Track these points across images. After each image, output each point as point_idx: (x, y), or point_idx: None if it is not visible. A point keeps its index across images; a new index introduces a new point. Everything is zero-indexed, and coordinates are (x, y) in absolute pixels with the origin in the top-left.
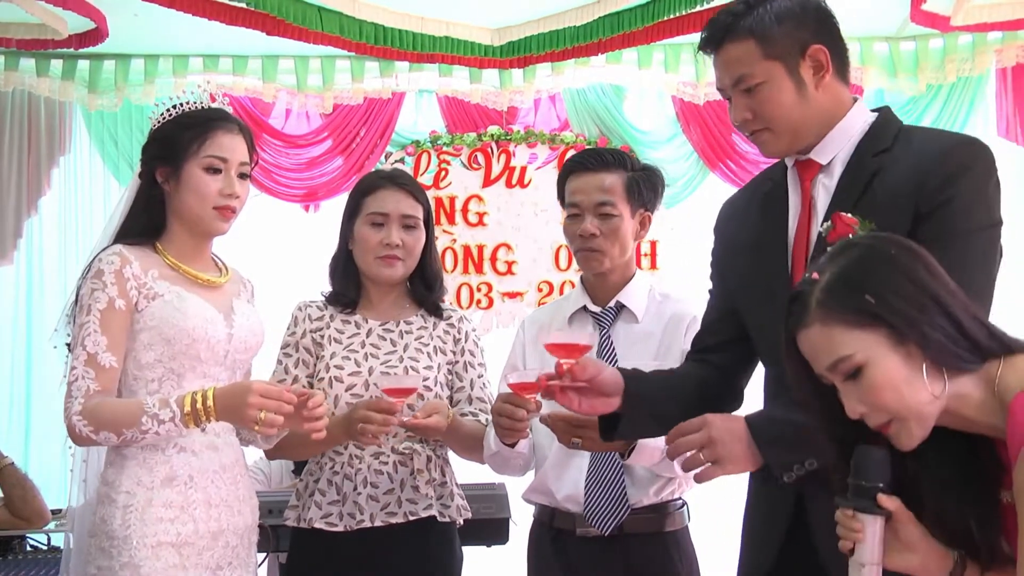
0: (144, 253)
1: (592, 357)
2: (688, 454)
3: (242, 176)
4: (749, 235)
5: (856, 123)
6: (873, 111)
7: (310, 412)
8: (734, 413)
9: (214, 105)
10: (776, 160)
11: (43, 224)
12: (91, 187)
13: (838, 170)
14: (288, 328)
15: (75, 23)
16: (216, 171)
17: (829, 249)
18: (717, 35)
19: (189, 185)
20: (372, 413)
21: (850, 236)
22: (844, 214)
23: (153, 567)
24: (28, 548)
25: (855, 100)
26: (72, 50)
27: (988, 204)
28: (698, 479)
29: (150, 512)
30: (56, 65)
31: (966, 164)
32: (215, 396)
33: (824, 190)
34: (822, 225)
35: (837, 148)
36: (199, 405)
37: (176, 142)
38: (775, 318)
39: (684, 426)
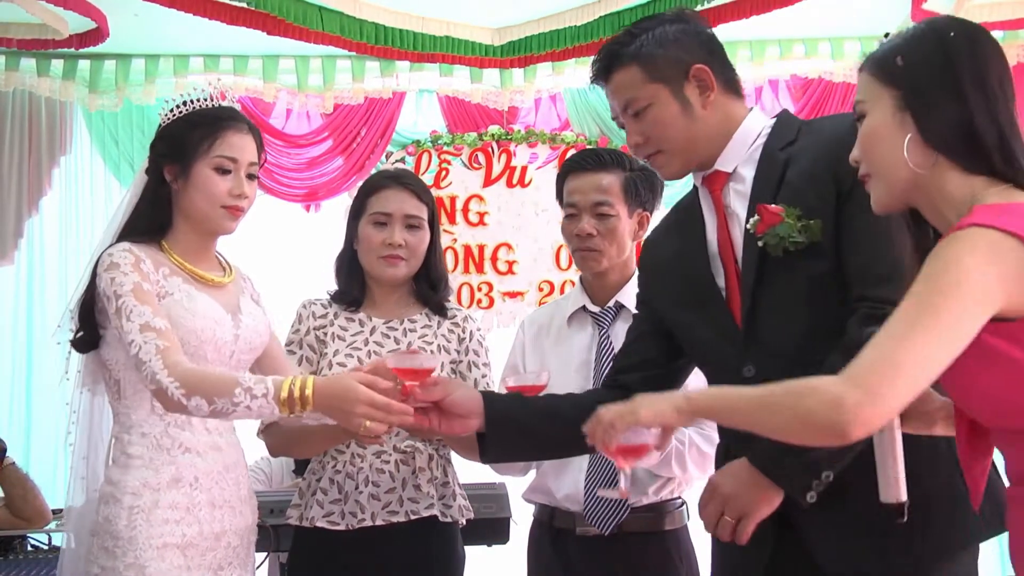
0: (151, 251)
1: (443, 377)
2: (722, 523)
3: (250, 176)
4: (671, 256)
5: (754, 128)
6: (774, 117)
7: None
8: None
9: (224, 103)
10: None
11: (44, 224)
12: (92, 187)
13: (748, 173)
14: (292, 326)
15: (76, 23)
16: (226, 171)
17: None
18: (605, 64)
19: (198, 184)
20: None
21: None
22: (769, 205)
23: (158, 568)
24: (29, 548)
25: (751, 110)
26: (73, 50)
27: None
28: (743, 540)
29: (156, 514)
30: (57, 65)
31: None
32: (315, 389)
33: (737, 195)
34: (748, 222)
35: (738, 155)
36: (296, 394)
37: (185, 141)
38: (708, 325)
39: (700, 500)
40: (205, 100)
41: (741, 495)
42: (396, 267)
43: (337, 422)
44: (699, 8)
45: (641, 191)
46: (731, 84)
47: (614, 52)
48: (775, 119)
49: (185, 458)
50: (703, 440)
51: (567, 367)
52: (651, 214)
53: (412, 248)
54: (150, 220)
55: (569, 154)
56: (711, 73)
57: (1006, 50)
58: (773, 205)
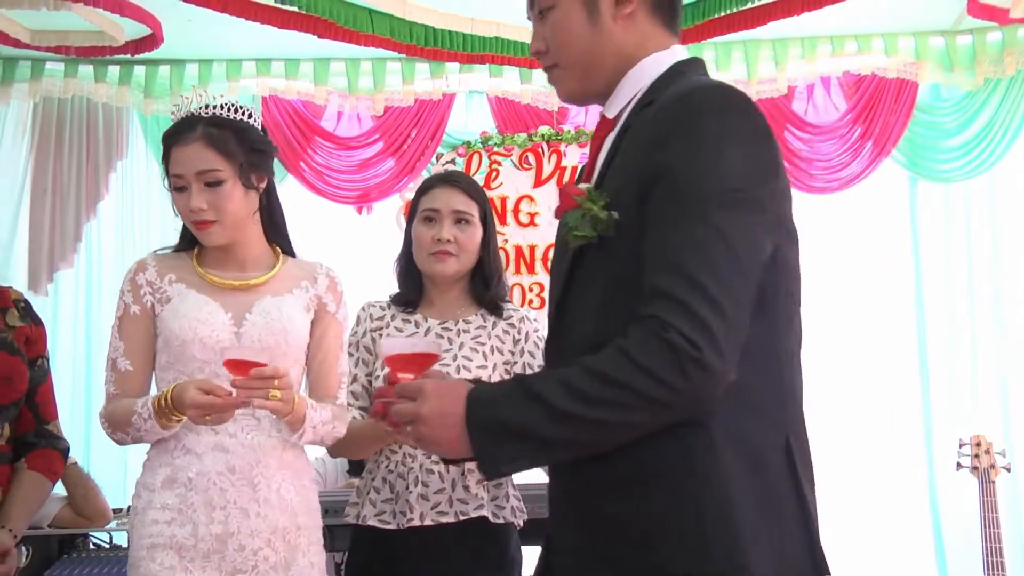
0: (174, 259)
1: (437, 369)
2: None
3: (209, 184)
4: None
5: (647, 72)
6: (680, 62)
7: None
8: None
9: (196, 108)
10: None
11: (101, 227)
12: (147, 190)
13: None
14: (351, 328)
15: (131, 30)
16: (180, 188)
17: None
18: None
19: (174, 202)
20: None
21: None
22: (573, 186)
23: (148, 568)
24: (91, 546)
25: (672, 48)
26: (128, 56)
27: (729, 164)
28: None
29: (148, 514)
30: (113, 71)
31: (705, 109)
32: (172, 395)
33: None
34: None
35: (623, 101)
36: (162, 402)
37: (163, 158)
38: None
39: (403, 388)
40: (182, 111)
41: (435, 428)
42: (445, 263)
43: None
44: (749, 6)
45: None
46: (662, 7)
47: None
48: (670, 66)
49: (183, 459)
50: None
51: None
52: None
53: (462, 244)
54: (183, 229)
55: None
56: None
57: None
58: (578, 186)
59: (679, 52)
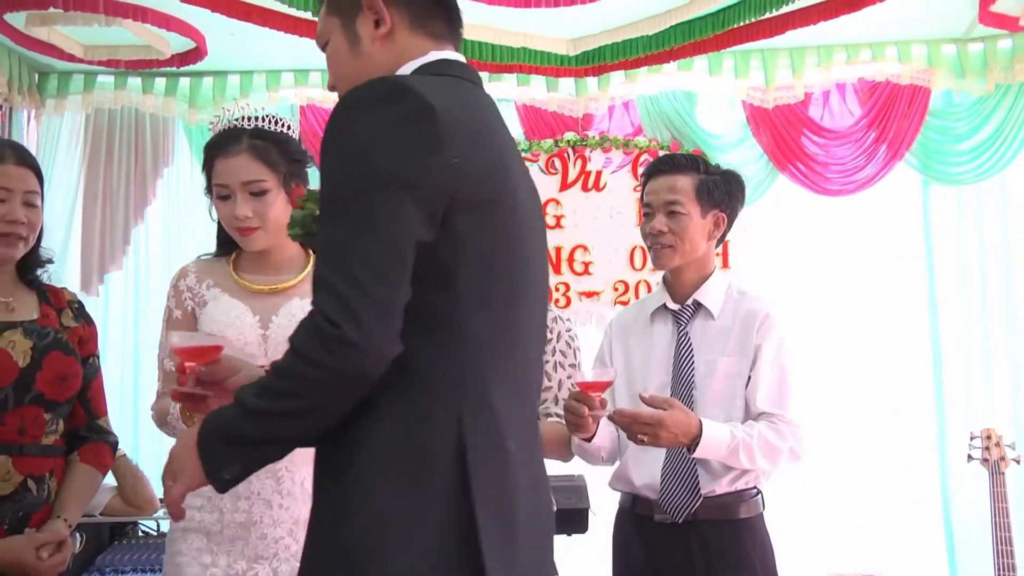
0: (213, 265)
1: (230, 356)
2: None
3: (254, 193)
4: None
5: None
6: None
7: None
8: None
9: (237, 119)
10: None
11: (149, 231)
12: (192, 196)
13: None
14: None
15: (177, 43)
16: (225, 197)
17: None
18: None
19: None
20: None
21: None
22: (299, 188)
23: (179, 548)
24: (140, 533)
25: (430, 53)
26: (174, 68)
27: (371, 150)
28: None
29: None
30: (160, 83)
31: (350, 104)
32: None
33: None
34: None
35: None
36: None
37: (205, 167)
38: None
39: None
40: (223, 122)
41: (179, 456)
42: None
43: None
44: (768, 15)
45: (715, 193)
46: (421, 19)
47: None
48: (416, 67)
49: None
50: (773, 433)
51: (649, 361)
52: (727, 215)
53: None
54: (223, 236)
55: (642, 159)
56: (384, 6)
57: None
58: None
59: (433, 55)
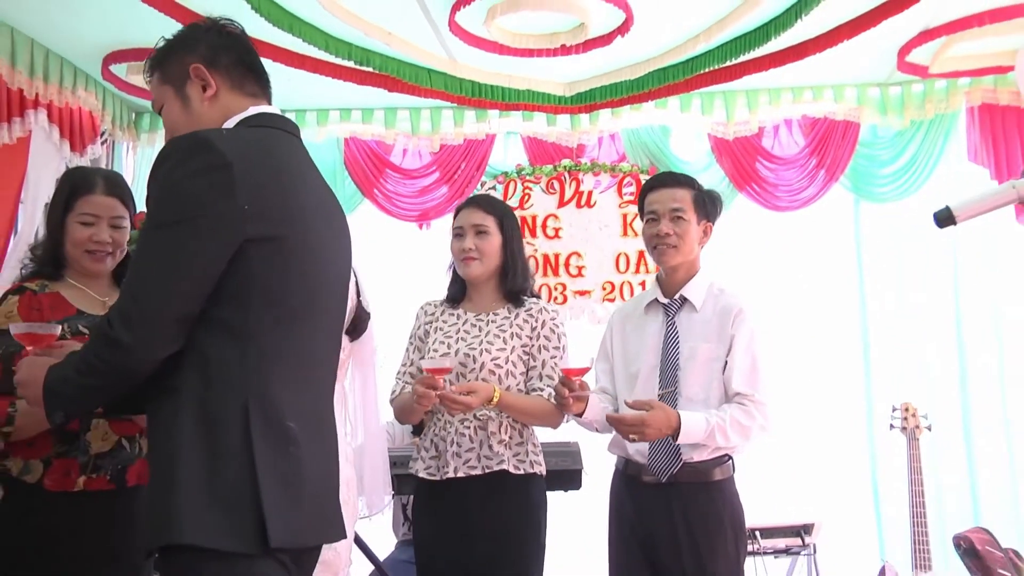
0: None
1: (65, 343)
2: None
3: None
4: None
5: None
6: (251, 118)
7: None
8: None
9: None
10: None
11: None
12: None
13: None
14: (414, 322)
15: None
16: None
17: None
18: (146, 74)
19: None
20: (419, 386)
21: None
22: (142, 211)
23: None
24: None
25: (252, 108)
26: None
27: (170, 195)
28: None
29: None
30: None
31: (162, 156)
32: None
33: None
34: None
35: None
36: None
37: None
38: None
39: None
40: None
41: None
42: (470, 266)
43: None
44: (729, 63)
45: (706, 205)
46: (238, 82)
47: (146, 63)
48: (238, 120)
49: None
50: (742, 414)
51: (644, 346)
52: (712, 225)
53: (482, 250)
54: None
55: (625, 181)
56: (208, 73)
57: (973, 92)
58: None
59: (252, 110)
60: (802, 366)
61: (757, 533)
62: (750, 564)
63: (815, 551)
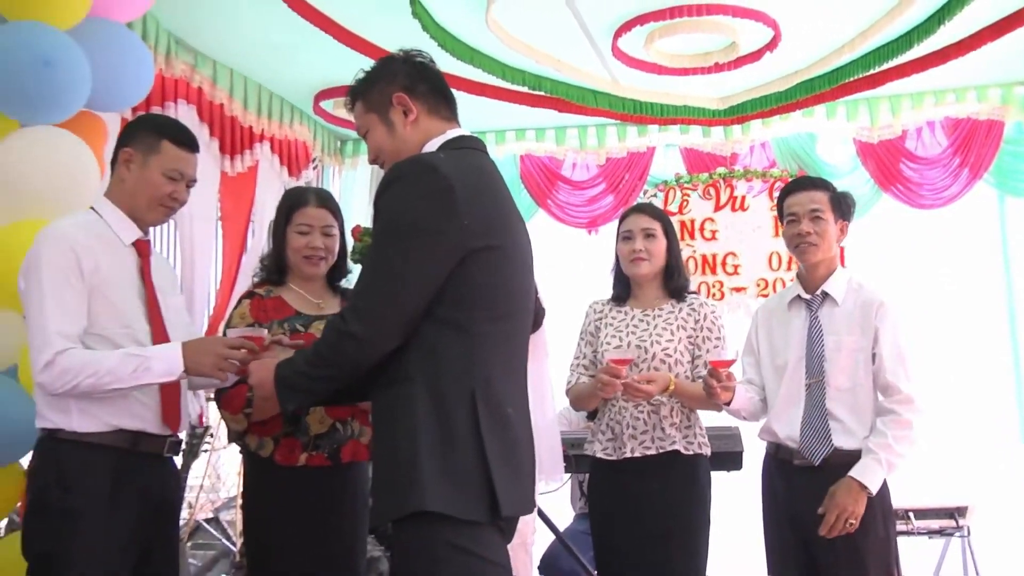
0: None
1: (281, 341)
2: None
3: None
4: None
5: (428, 148)
6: (452, 141)
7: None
8: None
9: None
10: None
11: None
12: None
13: None
14: (584, 320)
15: None
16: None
17: None
18: (348, 103)
19: None
20: (604, 375)
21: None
22: (358, 227)
23: None
24: None
25: (449, 132)
26: None
27: (398, 213)
28: None
29: None
30: None
31: (391, 177)
32: None
33: None
34: None
35: None
36: None
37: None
38: None
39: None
40: None
41: (263, 386)
42: (639, 265)
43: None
44: (873, 71)
45: (842, 205)
46: (436, 108)
47: (349, 93)
48: (442, 143)
49: None
50: (895, 426)
51: (789, 340)
52: (848, 224)
53: (649, 251)
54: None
55: (776, 186)
56: (410, 100)
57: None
58: (361, 226)
59: (450, 133)
60: (952, 356)
61: (910, 514)
62: (903, 544)
63: (969, 533)
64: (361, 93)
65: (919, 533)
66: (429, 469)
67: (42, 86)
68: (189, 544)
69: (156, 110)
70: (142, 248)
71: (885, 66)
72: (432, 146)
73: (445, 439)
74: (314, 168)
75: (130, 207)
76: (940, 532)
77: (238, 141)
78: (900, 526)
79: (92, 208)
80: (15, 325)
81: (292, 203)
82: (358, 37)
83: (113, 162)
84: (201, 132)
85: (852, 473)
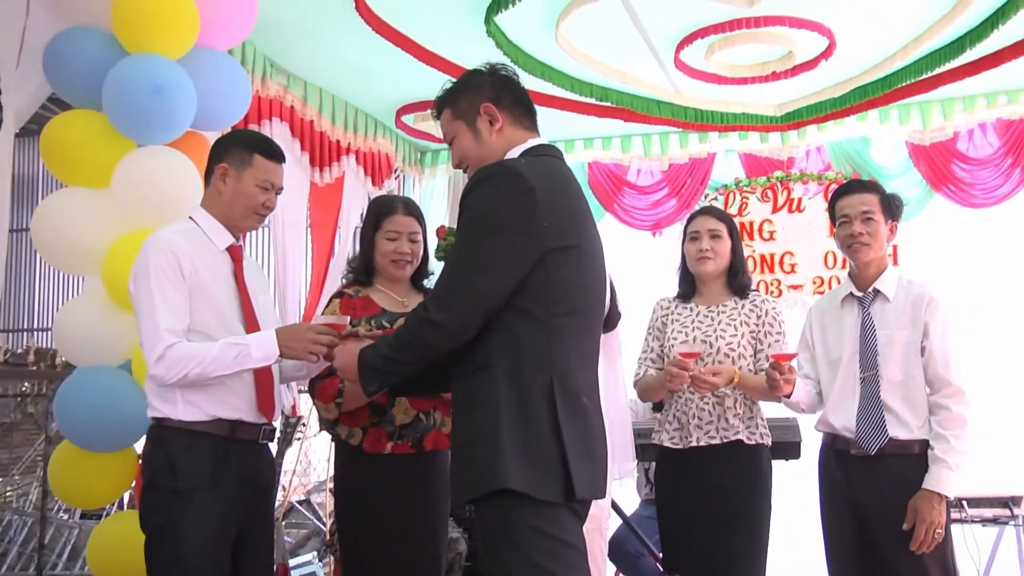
0: None
1: (360, 331)
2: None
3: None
4: None
5: (509, 155)
6: (527, 149)
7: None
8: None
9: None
10: None
11: None
12: None
13: None
14: (651, 316)
15: None
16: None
17: None
18: (435, 112)
19: None
20: (673, 368)
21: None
22: (443, 227)
23: None
24: None
25: (529, 140)
26: None
27: (483, 211)
28: None
29: None
30: None
31: (478, 179)
32: None
33: None
34: None
35: None
36: None
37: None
38: None
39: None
40: None
41: (348, 368)
42: (705, 264)
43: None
44: (924, 76)
45: (891, 206)
46: (519, 117)
47: (438, 103)
48: (523, 150)
49: None
50: (949, 423)
51: (843, 336)
52: (897, 224)
53: (716, 251)
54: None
55: (831, 188)
56: (496, 110)
57: None
58: (446, 226)
59: (531, 142)
60: (1005, 349)
61: (964, 502)
62: (958, 531)
63: (1023, 522)
64: (449, 102)
65: (973, 521)
66: (509, 450)
67: (155, 110)
68: (284, 523)
69: (252, 127)
70: (235, 253)
71: (937, 71)
72: (514, 153)
73: (524, 423)
74: (396, 178)
75: (225, 216)
76: (994, 521)
77: (326, 154)
78: (954, 514)
79: (190, 217)
80: (131, 324)
81: (381, 210)
82: (436, 56)
83: (207, 175)
84: (293, 147)
85: (928, 485)
